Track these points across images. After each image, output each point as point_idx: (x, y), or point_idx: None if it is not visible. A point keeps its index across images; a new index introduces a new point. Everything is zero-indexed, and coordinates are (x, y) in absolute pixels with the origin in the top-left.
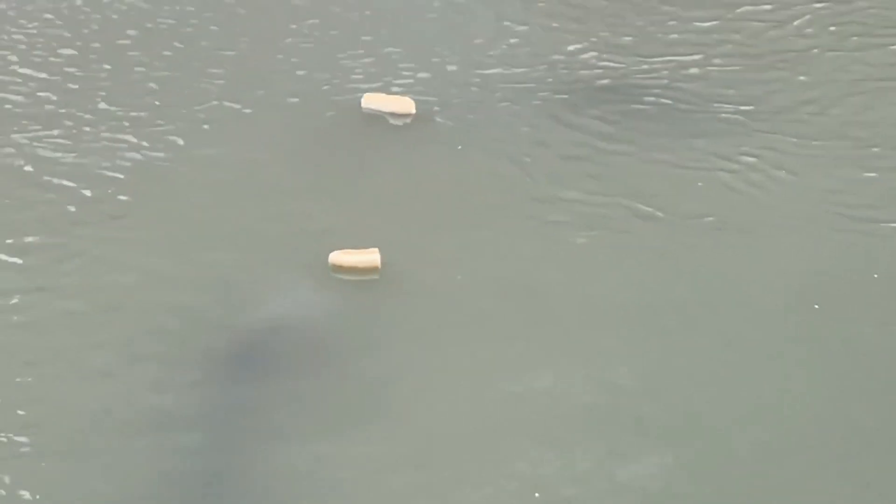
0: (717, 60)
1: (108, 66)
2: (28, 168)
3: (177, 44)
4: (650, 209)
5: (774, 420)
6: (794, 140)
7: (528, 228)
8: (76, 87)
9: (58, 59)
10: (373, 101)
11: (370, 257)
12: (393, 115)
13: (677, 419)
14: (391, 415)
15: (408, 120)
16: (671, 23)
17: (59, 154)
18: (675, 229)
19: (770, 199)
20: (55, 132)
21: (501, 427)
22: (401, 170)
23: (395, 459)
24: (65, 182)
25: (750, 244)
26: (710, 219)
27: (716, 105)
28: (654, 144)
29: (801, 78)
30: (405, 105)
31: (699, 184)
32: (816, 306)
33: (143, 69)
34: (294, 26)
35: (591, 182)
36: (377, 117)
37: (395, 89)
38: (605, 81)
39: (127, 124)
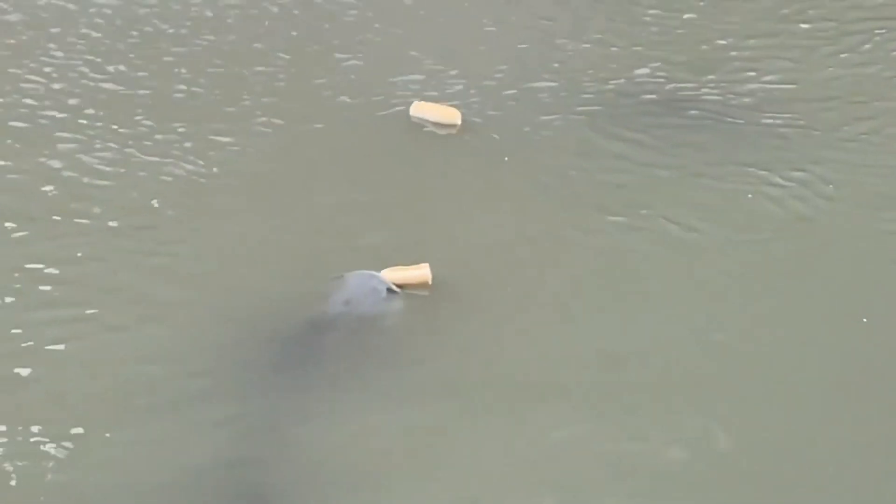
0: (771, 82)
1: (150, 85)
2: (70, 185)
3: (217, 61)
4: (694, 226)
5: (809, 439)
6: (845, 162)
7: (573, 244)
8: (118, 104)
9: (99, 76)
10: (420, 109)
11: (420, 272)
12: (438, 124)
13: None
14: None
15: (453, 130)
16: (726, 43)
17: (101, 171)
18: (718, 247)
19: (817, 220)
20: (97, 148)
21: (545, 443)
22: (448, 183)
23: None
24: (107, 199)
25: (795, 262)
26: (755, 237)
27: (766, 125)
28: (700, 163)
29: (857, 100)
30: (451, 115)
31: (749, 197)
32: (865, 320)
33: (184, 87)
34: (341, 44)
35: (637, 199)
36: (425, 130)
37: (443, 101)
38: (654, 99)
39: (169, 141)
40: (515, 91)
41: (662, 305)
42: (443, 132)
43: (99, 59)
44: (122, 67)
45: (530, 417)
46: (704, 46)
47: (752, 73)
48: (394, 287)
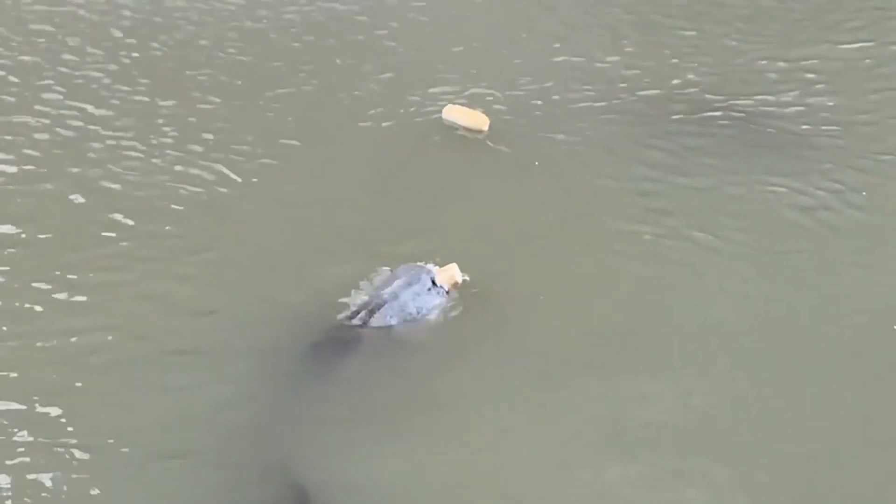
0: (808, 100)
1: (172, 101)
2: (93, 203)
3: (238, 81)
4: (719, 239)
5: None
6: (878, 181)
7: (600, 252)
8: (142, 119)
9: (123, 92)
10: (452, 113)
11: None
12: (467, 129)
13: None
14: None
15: (480, 136)
16: (770, 61)
17: (124, 189)
18: (744, 260)
19: (847, 232)
20: (120, 162)
21: (571, 441)
22: (476, 189)
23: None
24: (128, 219)
25: (824, 272)
26: (782, 251)
27: (801, 139)
28: (730, 178)
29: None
30: (479, 121)
31: (778, 209)
32: (895, 327)
33: (209, 106)
34: (369, 59)
35: (666, 212)
36: (455, 136)
37: (474, 107)
38: (688, 113)
39: (192, 159)
40: (548, 100)
41: (687, 309)
42: (472, 137)
43: (124, 75)
44: (150, 85)
45: (554, 394)
46: (741, 63)
47: (790, 90)
48: (438, 281)
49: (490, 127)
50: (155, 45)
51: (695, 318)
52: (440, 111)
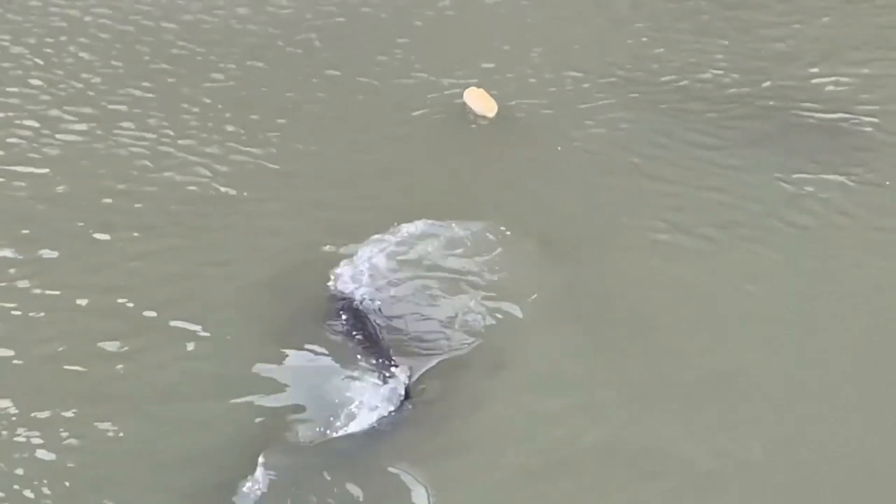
0: (849, 106)
1: (188, 93)
2: (99, 209)
3: (264, 87)
4: (732, 237)
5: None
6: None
7: (616, 249)
8: (161, 119)
9: (135, 99)
10: (470, 95)
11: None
12: (474, 113)
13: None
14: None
15: (485, 121)
16: (815, 70)
17: (136, 194)
18: (755, 258)
19: (851, 237)
20: (133, 171)
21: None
22: (491, 181)
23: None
24: (142, 221)
25: (836, 276)
26: (795, 252)
27: (825, 144)
28: (745, 177)
29: None
30: (486, 107)
31: (789, 214)
32: None
33: (245, 92)
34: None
35: (679, 211)
36: (476, 128)
37: (494, 92)
38: (715, 116)
39: (208, 151)
40: (569, 96)
41: (700, 308)
42: (480, 120)
43: (134, 81)
44: (148, 91)
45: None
46: (786, 74)
47: (818, 96)
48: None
49: (498, 115)
50: (168, 39)
51: (708, 315)
52: (469, 89)
